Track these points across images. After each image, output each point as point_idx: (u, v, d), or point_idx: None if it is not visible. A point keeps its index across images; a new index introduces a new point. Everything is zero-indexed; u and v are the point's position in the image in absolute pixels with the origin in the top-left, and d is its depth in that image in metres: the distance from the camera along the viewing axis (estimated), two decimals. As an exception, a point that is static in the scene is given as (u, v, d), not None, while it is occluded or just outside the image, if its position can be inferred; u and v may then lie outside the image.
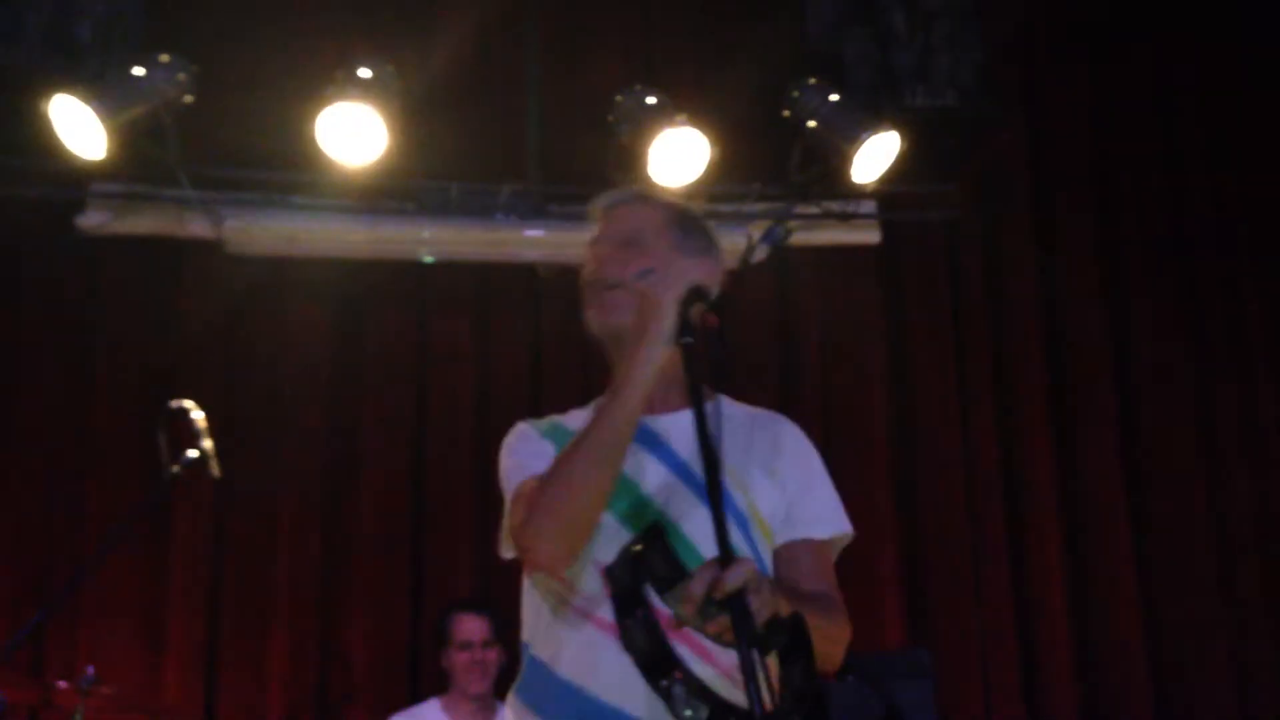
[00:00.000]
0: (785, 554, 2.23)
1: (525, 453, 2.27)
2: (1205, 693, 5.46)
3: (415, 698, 5.03)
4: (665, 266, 2.17)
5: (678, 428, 2.18)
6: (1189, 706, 5.46)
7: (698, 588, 1.74)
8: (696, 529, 2.10)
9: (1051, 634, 5.51)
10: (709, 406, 1.88)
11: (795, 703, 1.76)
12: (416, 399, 5.57)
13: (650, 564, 1.80)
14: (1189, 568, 5.60)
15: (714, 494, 1.80)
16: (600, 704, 2.06)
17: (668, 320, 2.00)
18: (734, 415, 2.30)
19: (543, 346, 5.65)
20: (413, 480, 5.48)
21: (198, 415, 4.26)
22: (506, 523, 2.26)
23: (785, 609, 1.83)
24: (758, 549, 2.20)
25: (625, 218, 2.35)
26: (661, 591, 1.81)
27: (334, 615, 5.32)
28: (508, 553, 2.30)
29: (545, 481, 2.07)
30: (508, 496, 2.25)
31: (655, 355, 2.02)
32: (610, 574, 1.78)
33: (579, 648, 2.10)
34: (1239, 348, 5.89)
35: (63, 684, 4.17)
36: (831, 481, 2.34)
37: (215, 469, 4.26)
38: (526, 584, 2.26)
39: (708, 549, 1.88)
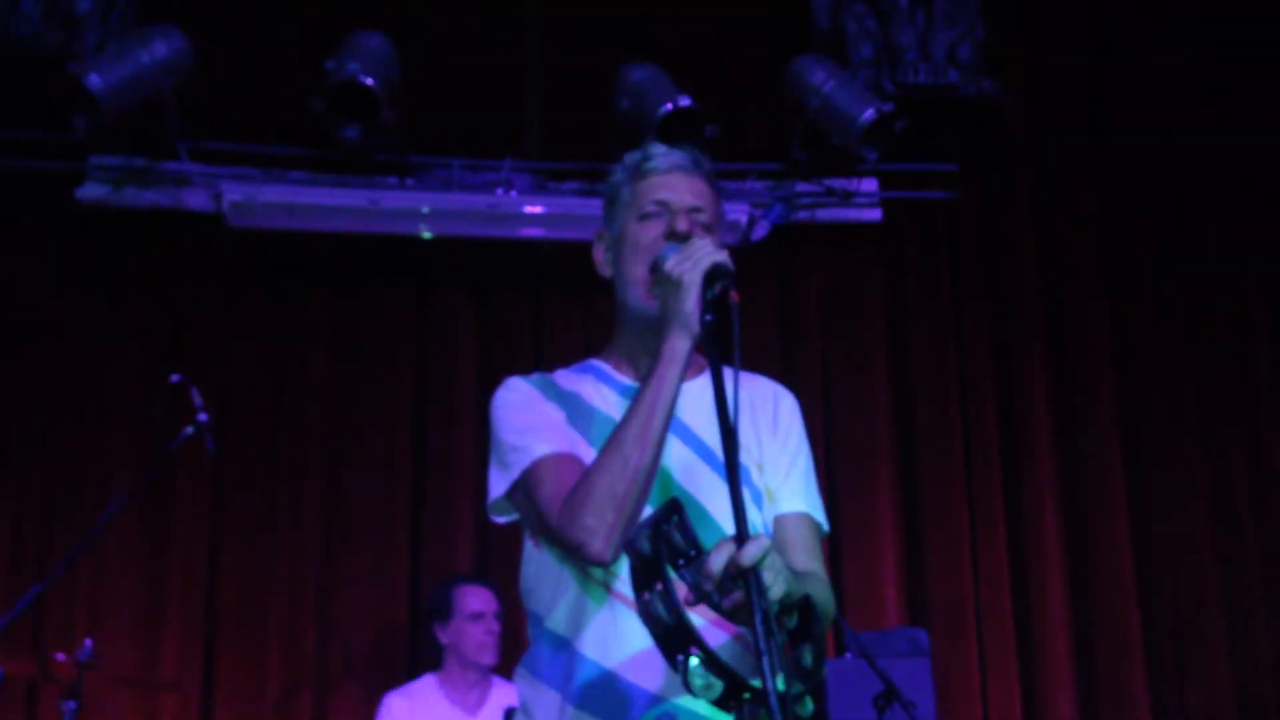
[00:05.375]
0: (786, 523, 2.24)
1: (534, 418, 2.21)
2: (1202, 672, 5.47)
3: (413, 673, 5.04)
4: (699, 242, 2.12)
5: (691, 399, 2.15)
6: (1186, 686, 5.47)
7: (715, 562, 1.75)
8: (715, 505, 2.11)
9: (1048, 615, 5.51)
10: (727, 377, 1.88)
11: (804, 682, 1.76)
12: (416, 374, 5.56)
13: (669, 538, 1.80)
14: (1187, 550, 5.61)
15: (732, 473, 1.80)
16: (616, 677, 2.05)
17: (692, 303, 2.00)
18: (744, 385, 2.27)
19: (543, 322, 5.64)
20: (412, 455, 5.48)
21: (196, 390, 4.25)
22: (498, 484, 2.20)
23: (796, 590, 1.83)
24: (769, 526, 2.22)
25: (685, 185, 2.27)
26: (679, 566, 1.81)
27: (332, 591, 5.32)
28: (499, 517, 2.28)
29: (595, 477, 2.01)
30: (513, 459, 2.17)
31: (688, 340, 2.03)
32: (630, 547, 1.78)
33: (598, 621, 2.08)
34: (1241, 328, 5.88)
35: (61, 656, 4.18)
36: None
37: (213, 443, 4.25)
38: (536, 554, 2.21)
39: (726, 525, 1.87)
